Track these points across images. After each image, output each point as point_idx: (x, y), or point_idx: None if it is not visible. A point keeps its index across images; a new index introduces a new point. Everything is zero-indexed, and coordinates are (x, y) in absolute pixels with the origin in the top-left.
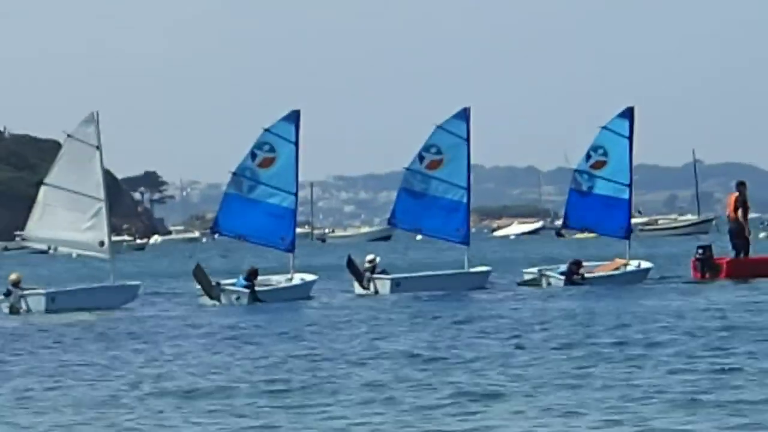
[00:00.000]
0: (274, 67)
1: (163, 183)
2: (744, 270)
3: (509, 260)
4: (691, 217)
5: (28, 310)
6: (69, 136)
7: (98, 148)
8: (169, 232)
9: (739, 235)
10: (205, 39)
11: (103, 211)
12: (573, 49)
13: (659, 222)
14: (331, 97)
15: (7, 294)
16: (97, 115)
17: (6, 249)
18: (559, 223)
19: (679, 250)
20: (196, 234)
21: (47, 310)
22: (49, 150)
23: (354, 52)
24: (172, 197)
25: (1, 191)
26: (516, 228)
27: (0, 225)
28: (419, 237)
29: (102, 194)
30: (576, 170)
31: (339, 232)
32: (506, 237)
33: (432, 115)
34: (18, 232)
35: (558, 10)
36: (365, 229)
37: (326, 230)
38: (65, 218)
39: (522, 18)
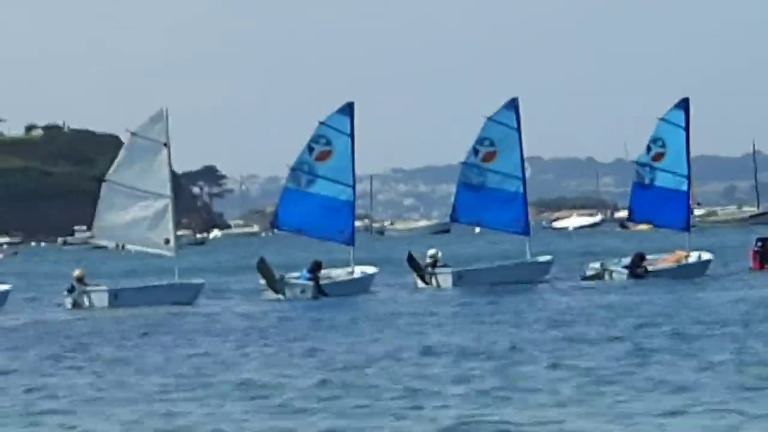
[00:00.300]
0: (331, 60)
1: (222, 177)
2: None
3: (569, 253)
4: (750, 209)
5: (91, 306)
6: (133, 133)
7: (166, 144)
8: (229, 227)
9: None
10: (265, 31)
11: (170, 208)
12: (632, 39)
13: (718, 213)
14: (389, 90)
15: (71, 290)
16: (167, 111)
17: (66, 243)
18: (618, 215)
19: (737, 242)
20: (256, 228)
21: (110, 307)
22: (107, 145)
23: (410, 45)
24: (231, 191)
25: (59, 186)
26: (575, 221)
27: (59, 220)
28: (477, 230)
29: (168, 191)
30: (637, 162)
31: (398, 225)
32: (564, 229)
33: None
34: (76, 227)
35: None
36: (423, 222)
37: (385, 223)
38: (130, 215)
39: (581, 6)
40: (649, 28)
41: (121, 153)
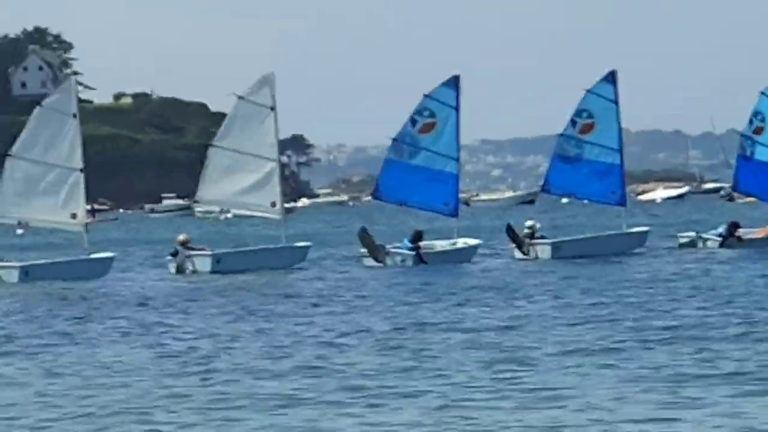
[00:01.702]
0: (418, 32)
1: (310, 146)
2: None
3: (660, 224)
4: None
5: (194, 271)
6: (240, 97)
7: (273, 108)
8: (316, 196)
9: None
10: (357, 3)
11: (276, 171)
12: (720, 12)
13: None
14: (477, 61)
15: (175, 254)
16: (273, 76)
17: (153, 211)
18: (706, 186)
19: None
20: (344, 197)
21: (213, 271)
22: (194, 113)
23: (499, 17)
24: (318, 160)
25: (146, 154)
26: (662, 192)
27: (146, 187)
28: (564, 200)
29: (275, 155)
30: (741, 135)
31: (483, 196)
32: (652, 201)
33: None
34: (164, 194)
35: None
36: (509, 193)
37: (471, 194)
38: (237, 180)
39: None
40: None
41: (228, 117)
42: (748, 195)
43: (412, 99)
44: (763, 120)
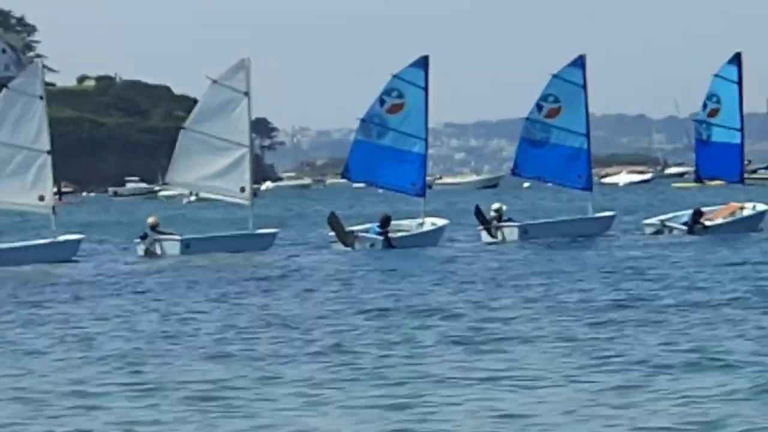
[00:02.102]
0: (381, 17)
1: (274, 129)
2: None
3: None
4: None
5: (163, 254)
6: (214, 81)
7: (247, 94)
8: (280, 179)
9: None
10: None
11: (247, 157)
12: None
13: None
14: (441, 45)
15: (144, 237)
16: (249, 62)
17: (116, 194)
18: (669, 171)
19: None
20: (307, 181)
21: (181, 255)
22: (159, 96)
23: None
24: (282, 144)
25: (111, 137)
26: (625, 176)
27: (111, 171)
28: (526, 184)
29: (247, 140)
30: (696, 120)
31: (446, 179)
32: (615, 185)
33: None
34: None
35: None
36: (472, 177)
37: (434, 177)
38: (207, 164)
39: None
40: None
41: (201, 101)
42: (712, 179)
43: (377, 82)
44: (718, 102)
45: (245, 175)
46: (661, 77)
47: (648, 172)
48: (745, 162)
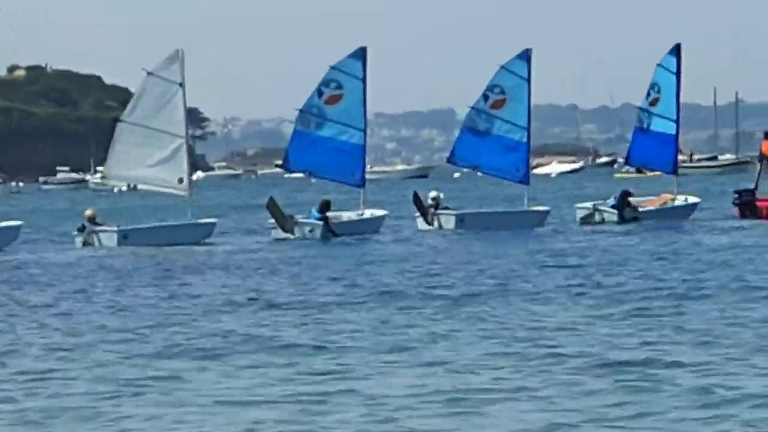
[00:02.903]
0: (312, 8)
1: (205, 119)
2: None
3: (555, 199)
4: (729, 157)
5: (100, 245)
6: (149, 73)
7: (182, 85)
8: (212, 169)
9: None
10: None
11: (183, 148)
12: None
13: (697, 160)
14: (371, 34)
15: (82, 229)
16: (182, 52)
17: (46, 183)
18: (600, 161)
19: (718, 190)
20: (238, 171)
21: (119, 246)
22: (90, 86)
23: None
24: (213, 134)
25: (42, 127)
26: (557, 167)
27: (42, 160)
28: (456, 174)
29: (183, 131)
30: (639, 108)
31: (375, 168)
32: (547, 175)
33: (477, 54)
34: (58, 167)
35: None
36: (401, 167)
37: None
38: (144, 156)
39: None
40: None
41: (137, 92)
42: (642, 167)
43: (308, 72)
44: (659, 91)
45: (182, 166)
46: (592, 68)
47: (579, 162)
48: (689, 152)
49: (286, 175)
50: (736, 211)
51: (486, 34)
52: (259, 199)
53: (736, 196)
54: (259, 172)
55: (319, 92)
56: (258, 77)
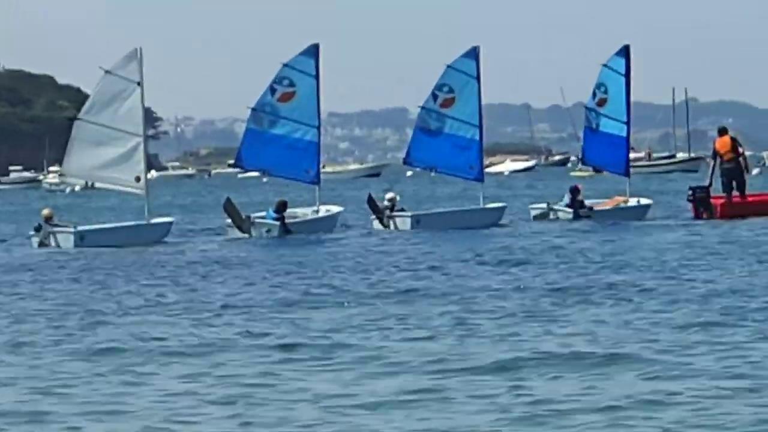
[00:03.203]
0: (265, 4)
1: (158, 119)
2: (738, 209)
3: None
4: (682, 156)
5: (57, 246)
6: (107, 72)
7: (140, 84)
8: (165, 168)
9: (741, 175)
10: None
11: (141, 147)
12: None
13: (652, 159)
14: (325, 33)
15: (38, 229)
16: (140, 51)
17: None
18: (553, 159)
19: (670, 189)
20: (192, 170)
21: (76, 247)
22: (43, 86)
23: None
24: (166, 133)
25: None
26: (510, 165)
27: None
28: (409, 173)
29: (140, 130)
30: (586, 107)
31: (327, 168)
32: (500, 174)
33: (430, 54)
34: (11, 167)
35: None
36: (354, 166)
37: None
38: (102, 154)
39: None
40: None
41: (95, 91)
42: (596, 167)
43: (260, 71)
44: (606, 92)
45: (140, 165)
46: (545, 67)
47: (532, 160)
48: (649, 151)
49: (240, 175)
50: (690, 207)
51: (438, 32)
52: (209, 198)
53: (690, 193)
54: (213, 171)
55: (272, 90)
56: (211, 77)
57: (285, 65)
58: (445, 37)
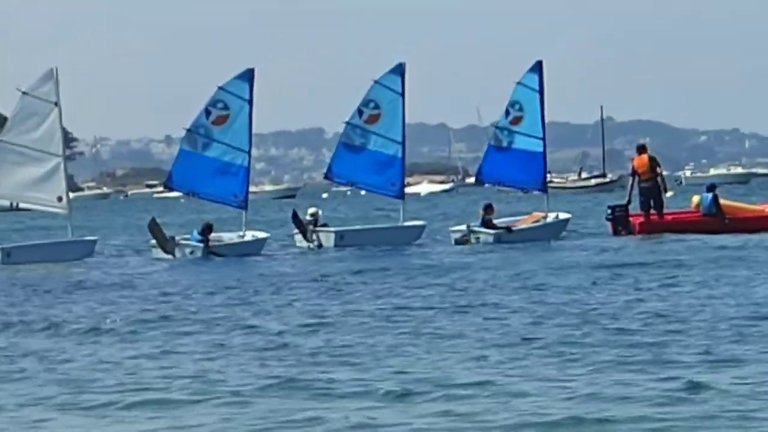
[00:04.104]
0: (182, 26)
1: (74, 139)
2: (656, 227)
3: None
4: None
5: None
6: (24, 93)
7: (57, 104)
8: (81, 189)
9: (659, 194)
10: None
11: (62, 167)
12: (483, 6)
13: (567, 180)
14: (243, 54)
15: None
16: (56, 71)
17: None
18: (470, 180)
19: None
20: (108, 191)
21: (2, 264)
22: None
23: (266, 7)
24: (81, 154)
25: None
26: (427, 186)
27: None
28: (325, 195)
29: (60, 150)
30: (497, 127)
31: None
32: (416, 195)
33: (351, 74)
34: None
35: None
36: (269, 187)
37: None
38: (23, 175)
39: None
40: None
41: (13, 112)
42: (496, 184)
43: (178, 91)
44: (520, 109)
45: (61, 185)
46: (461, 87)
47: (449, 182)
48: (579, 169)
49: (156, 195)
50: (609, 226)
51: (353, 52)
52: (130, 218)
53: (609, 211)
54: (129, 192)
55: (207, 112)
56: (126, 97)
57: (220, 88)
58: (363, 56)
